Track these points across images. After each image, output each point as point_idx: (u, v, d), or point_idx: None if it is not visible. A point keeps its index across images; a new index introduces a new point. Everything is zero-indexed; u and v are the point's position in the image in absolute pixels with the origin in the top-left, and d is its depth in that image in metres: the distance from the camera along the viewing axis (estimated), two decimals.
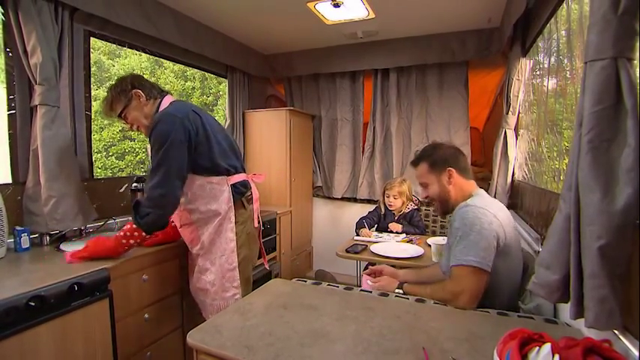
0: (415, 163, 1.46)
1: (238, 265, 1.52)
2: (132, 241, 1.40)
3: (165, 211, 1.38)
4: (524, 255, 1.35)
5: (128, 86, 1.48)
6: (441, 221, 3.02)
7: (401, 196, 2.58)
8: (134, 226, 1.38)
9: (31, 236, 1.57)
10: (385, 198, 2.63)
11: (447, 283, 1.22)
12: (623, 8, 0.65)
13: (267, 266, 1.91)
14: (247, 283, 1.63)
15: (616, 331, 0.76)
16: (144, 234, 1.40)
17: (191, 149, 1.39)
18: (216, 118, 1.63)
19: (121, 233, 1.39)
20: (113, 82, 1.54)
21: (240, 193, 1.55)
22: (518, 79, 2.11)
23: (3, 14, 1.57)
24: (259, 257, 1.82)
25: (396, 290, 1.33)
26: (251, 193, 1.63)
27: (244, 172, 1.63)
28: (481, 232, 1.19)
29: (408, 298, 1.19)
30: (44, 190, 1.59)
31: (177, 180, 1.36)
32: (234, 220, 1.51)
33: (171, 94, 1.59)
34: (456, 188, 1.37)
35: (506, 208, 1.33)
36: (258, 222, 1.72)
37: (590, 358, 0.61)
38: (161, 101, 1.52)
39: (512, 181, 2.29)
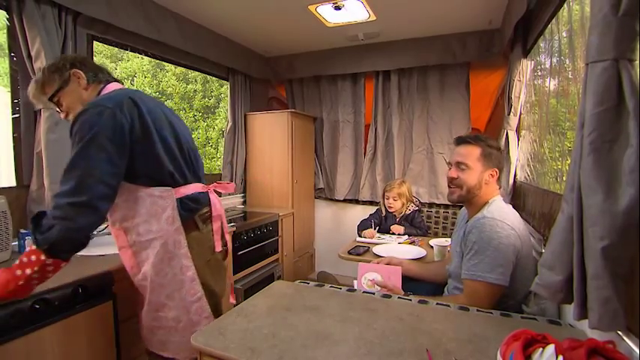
0: (468, 141, 1.33)
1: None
2: (28, 271, 0.98)
3: (77, 224, 1.00)
4: (535, 260, 1.35)
5: (66, 65, 1.21)
6: (442, 222, 3.02)
7: (400, 197, 2.59)
8: (32, 247, 0.99)
9: None
10: (385, 200, 2.63)
11: (460, 299, 1.22)
12: (624, 10, 0.65)
13: (233, 301, 1.46)
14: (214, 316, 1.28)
15: (620, 332, 0.76)
16: (43, 257, 0.98)
17: (124, 149, 1.08)
18: (169, 109, 1.32)
19: (17, 261, 1.00)
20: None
21: (189, 209, 1.22)
22: (520, 80, 2.11)
23: (7, 19, 1.59)
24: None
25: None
26: (209, 210, 1.30)
27: (199, 181, 1.29)
28: (499, 247, 1.18)
29: (410, 300, 1.19)
30: (48, 193, 1.60)
31: (99, 185, 1.03)
32: (185, 245, 1.18)
33: (122, 83, 1.31)
34: (485, 190, 1.32)
35: (518, 215, 1.31)
36: (224, 245, 1.37)
37: (594, 359, 0.61)
38: (104, 88, 1.23)
39: (515, 182, 2.28)
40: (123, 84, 1.32)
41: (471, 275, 1.22)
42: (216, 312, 1.30)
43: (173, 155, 1.19)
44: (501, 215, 1.24)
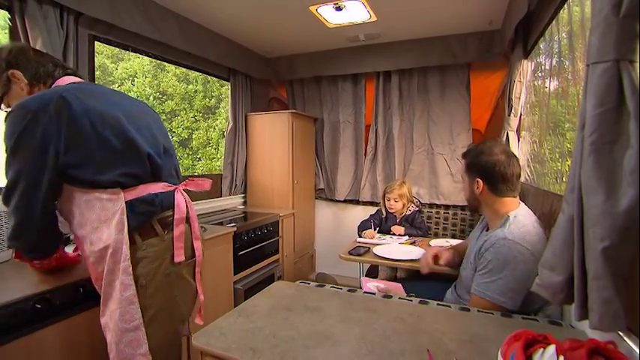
0: (463, 155, 1.47)
1: (147, 321, 1.04)
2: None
3: (24, 244, 1.07)
4: None
5: (2, 65, 1.07)
6: (443, 223, 3.03)
7: (401, 198, 2.59)
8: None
9: None
10: (386, 201, 2.63)
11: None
12: (625, 11, 0.66)
13: (200, 322, 1.25)
14: (172, 343, 1.15)
15: (620, 333, 0.76)
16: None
17: (48, 157, 0.97)
18: (127, 102, 1.17)
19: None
20: None
21: (141, 213, 1.06)
22: (520, 81, 2.11)
23: (9, 19, 1.59)
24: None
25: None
26: (172, 214, 1.13)
27: (160, 180, 1.13)
28: (514, 272, 1.16)
29: (411, 300, 1.19)
30: None
31: (36, 199, 0.99)
32: (128, 257, 1.01)
33: (77, 75, 1.17)
34: (485, 200, 1.34)
35: (539, 229, 1.24)
36: (191, 256, 1.19)
37: (595, 359, 0.61)
38: (53, 84, 1.11)
39: None
40: (80, 76, 1.19)
41: (480, 292, 1.21)
42: (174, 341, 1.16)
43: (117, 157, 1.04)
44: (522, 236, 1.19)
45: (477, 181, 1.34)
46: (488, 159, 1.31)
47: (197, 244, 1.21)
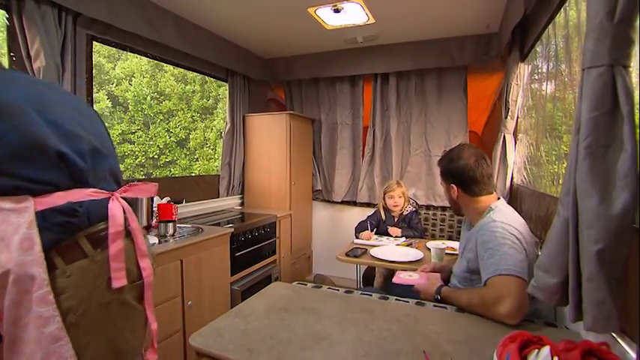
0: (438, 162, 1.49)
1: None
2: None
3: None
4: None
5: None
6: (440, 224, 3.04)
7: (403, 195, 2.62)
8: None
9: None
10: (388, 199, 2.63)
11: (485, 291, 1.13)
12: (619, 16, 0.67)
13: (154, 356, 0.99)
14: None
15: (614, 334, 0.77)
16: None
17: None
18: (39, 84, 0.96)
19: None
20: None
21: (60, 226, 0.82)
22: (517, 84, 2.13)
23: (7, 19, 1.59)
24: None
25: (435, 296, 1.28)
26: (105, 227, 0.89)
27: (87, 185, 0.88)
28: (514, 245, 1.17)
29: (407, 302, 1.19)
30: None
31: None
32: (45, 284, 0.77)
33: None
34: (463, 203, 1.39)
35: (523, 220, 1.29)
36: (136, 280, 0.93)
37: None
38: None
39: (511, 185, 2.30)
40: None
41: (493, 272, 1.14)
42: None
43: (18, 156, 0.79)
44: (507, 219, 1.23)
45: (452, 187, 1.38)
46: (457, 164, 1.35)
47: (144, 263, 0.97)
